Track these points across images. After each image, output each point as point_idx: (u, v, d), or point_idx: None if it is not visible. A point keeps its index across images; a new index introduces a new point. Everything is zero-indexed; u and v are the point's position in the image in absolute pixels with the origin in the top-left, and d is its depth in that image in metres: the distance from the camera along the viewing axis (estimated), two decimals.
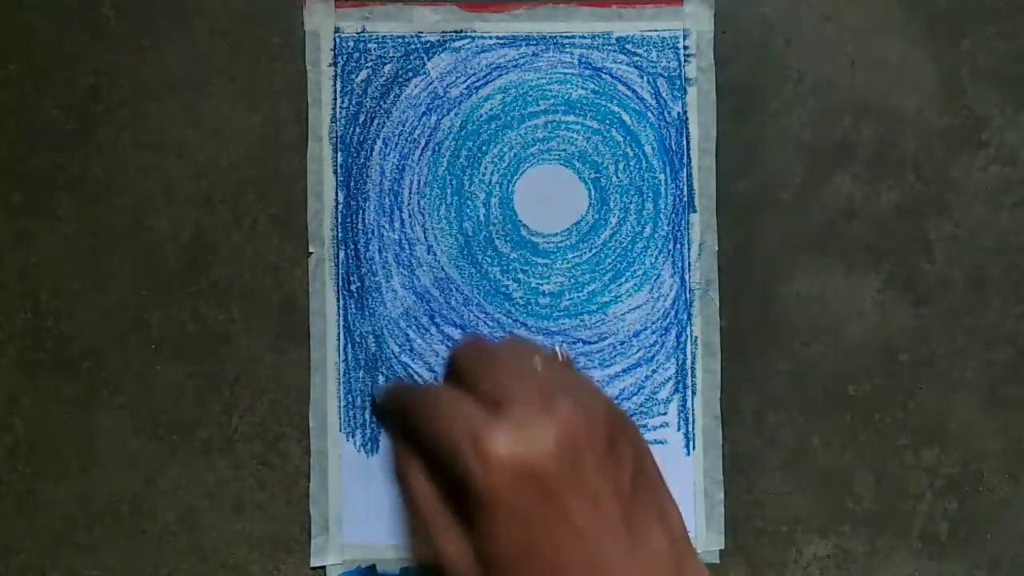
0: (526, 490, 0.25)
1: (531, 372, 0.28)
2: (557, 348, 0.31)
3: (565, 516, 0.25)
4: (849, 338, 0.49)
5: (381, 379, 0.47)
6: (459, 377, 0.28)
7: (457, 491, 0.27)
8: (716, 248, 0.48)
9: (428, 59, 0.48)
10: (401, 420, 0.30)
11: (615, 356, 0.48)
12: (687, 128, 0.48)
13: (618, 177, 0.48)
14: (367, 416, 0.47)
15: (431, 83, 0.48)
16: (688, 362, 0.48)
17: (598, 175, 0.48)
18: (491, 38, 0.48)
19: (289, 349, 0.47)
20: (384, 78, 0.48)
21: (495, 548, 0.25)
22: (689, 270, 0.48)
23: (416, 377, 0.48)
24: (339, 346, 0.47)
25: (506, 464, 0.24)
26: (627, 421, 0.29)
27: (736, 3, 0.48)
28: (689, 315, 0.48)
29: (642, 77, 0.48)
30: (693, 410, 0.48)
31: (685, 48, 0.48)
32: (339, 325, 0.47)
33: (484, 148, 0.48)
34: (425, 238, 0.48)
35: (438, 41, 0.48)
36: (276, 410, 0.47)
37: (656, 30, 0.48)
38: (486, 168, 0.48)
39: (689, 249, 0.48)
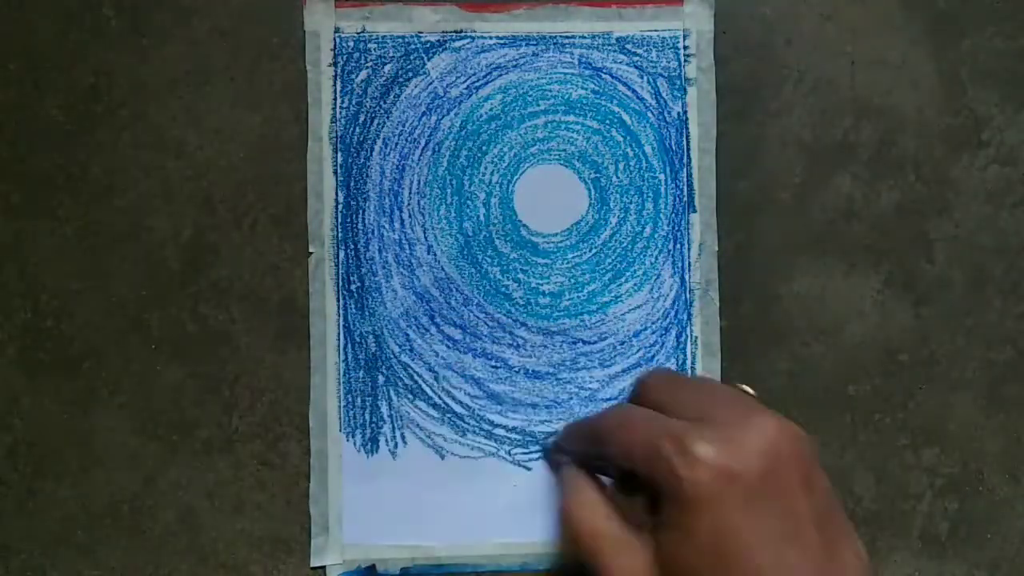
0: (729, 495, 0.25)
1: (731, 395, 0.28)
2: (747, 388, 0.32)
3: (765, 526, 0.25)
4: (849, 338, 0.49)
5: (381, 379, 0.47)
6: (650, 400, 0.29)
7: (635, 508, 0.27)
8: (716, 248, 0.48)
9: (428, 59, 0.48)
10: (584, 448, 0.31)
11: (615, 356, 0.48)
12: (687, 128, 0.48)
13: (618, 177, 0.48)
14: (367, 416, 0.47)
15: (431, 83, 0.48)
16: (688, 362, 0.48)
17: (598, 175, 0.48)
18: (491, 38, 0.48)
19: (289, 349, 0.47)
20: (384, 78, 0.48)
21: (688, 553, 0.25)
22: (689, 270, 0.48)
23: (416, 377, 0.48)
24: (339, 346, 0.47)
25: (712, 466, 0.25)
26: (817, 456, 0.29)
27: (736, 3, 0.48)
28: (689, 315, 0.48)
29: (642, 77, 0.48)
30: None
31: (685, 48, 0.48)
32: (339, 325, 0.47)
33: (484, 148, 0.48)
34: (425, 238, 0.48)
35: (438, 41, 0.48)
36: (276, 410, 0.47)
37: (656, 30, 0.48)
38: (486, 168, 0.48)
39: (689, 249, 0.48)
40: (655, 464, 0.26)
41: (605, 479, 0.31)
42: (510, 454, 0.48)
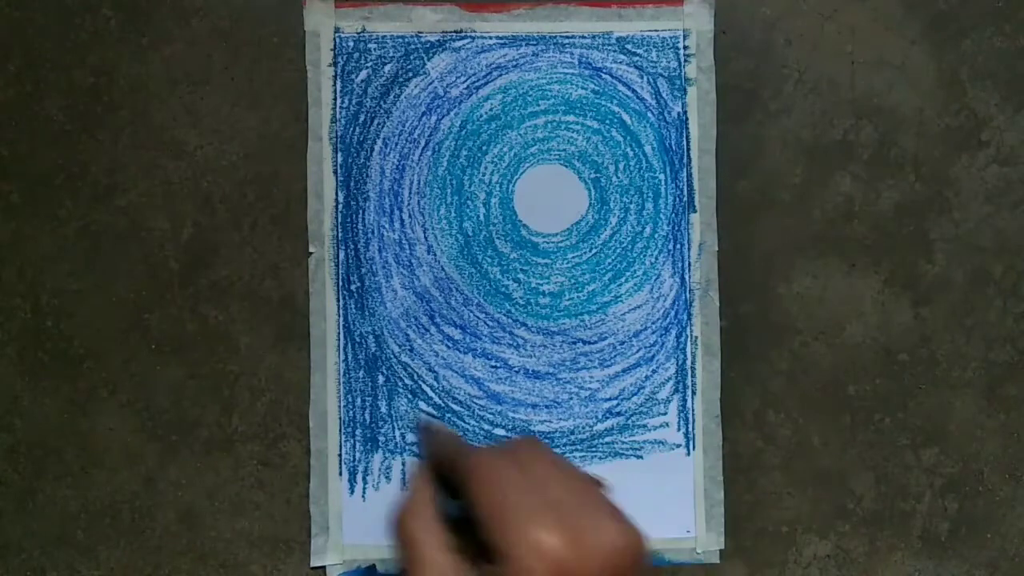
0: None
1: (584, 484, 0.29)
2: (597, 477, 0.33)
3: None
4: (849, 338, 0.49)
5: (381, 379, 0.47)
6: (509, 456, 0.30)
7: (467, 537, 0.29)
8: (716, 248, 0.48)
9: (428, 59, 0.48)
10: (443, 469, 0.32)
11: (615, 356, 0.48)
12: (687, 128, 0.48)
13: (618, 177, 0.48)
14: (366, 416, 0.47)
15: (431, 83, 0.48)
16: (688, 362, 0.48)
17: (598, 175, 0.48)
18: (491, 38, 0.48)
19: (289, 349, 0.47)
20: (384, 78, 0.48)
21: None
22: (689, 270, 0.48)
23: (416, 377, 0.48)
24: (339, 346, 0.47)
25: (553, 559, 0.26)
26: (650, 560, 0.30)
27: (736, 3, 0.48)
28: (689, 315, 0.48)
29: (642, 77, 0.48)
30: (693, 410, 0.48)
31: (685, 48, 0.48)
32: (339, 325, 0.47)
33: (484, 148, 0.48)
34: (425, 238, 0.48)
35: (438, 41, 0.48)
36: (276, 410, 0.47)
37: (656, 30, 0.48)
38: (486, 168, 0.48)
39: (689, 249, 0.48)
40: (501, 530, 0.27)
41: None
42: None
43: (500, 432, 0.48)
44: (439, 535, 0.31)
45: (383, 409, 0.47)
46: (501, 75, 0.48)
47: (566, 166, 0.48)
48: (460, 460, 0.32)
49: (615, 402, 0.48)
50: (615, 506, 0.29)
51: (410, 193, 0.48)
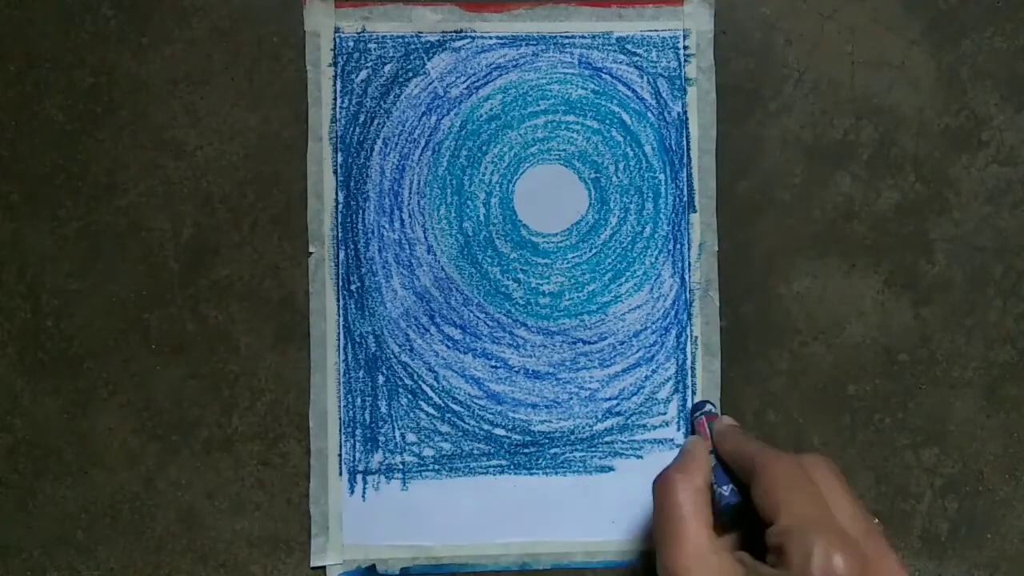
0: None
1: (869, 522, 0.32)
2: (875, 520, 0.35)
3: None
4: (849, 338, 0.49)
5: (381, 379, 0.47)
6: (804, 469, 0.32)
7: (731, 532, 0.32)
8: (716, 248, 0.48)
9: (428, 59, 0.48)
10: (735, 465, 0.33)
11: (615, 356, 0.48)
12: (687, 128, 0.48)
13: (618, 177, 0.48)
14: (367, 416, 0.47)
15: (431, 83, 0.48)
16: (688, 362, 0.48)
17: (598, 175, 0.48)
18: (491, 38, 0.48)
19: (289, 349, 0.47)
20: (384, 78, 0.48)
21: None
22: (689, 270, 0.48)
23: (416, 377, 0.48)
24: (339, 346, 0.47)
25: None
26: None
27: (736, 3, 0.48)
28: (689, 315, 0.48)
29: (642, 77, 0.48)
30: None
31: (685, 48, 0.48)
32: (339, 325, 0.47)
33: (484, 148, 0.48)
34: (425, 238, 0.48)
35: (438, 41, 0.48)
36: (276, 410, 0.47)
37: (656, 30, 0.48)
38: (486, 168, 0.48)
39: (689, 249, 0.48)
40: (791, 536, 0.28)
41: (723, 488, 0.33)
42: (510, 455, 0.48)
43: (500, 432, 0.48)
44: (706, 511, 0.31)
45: (383, 409, 0.47)
46: (501, 75, 0.48)
47: (566, 166, 0.48)
48: (755, 455, 0.32)
49: (615, 402, 0.48)
50: (888, 545, 0.30)
51: (410, 193, 0.48)
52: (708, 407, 0.46)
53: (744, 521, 0.36)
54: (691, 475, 0.34)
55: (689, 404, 0.48)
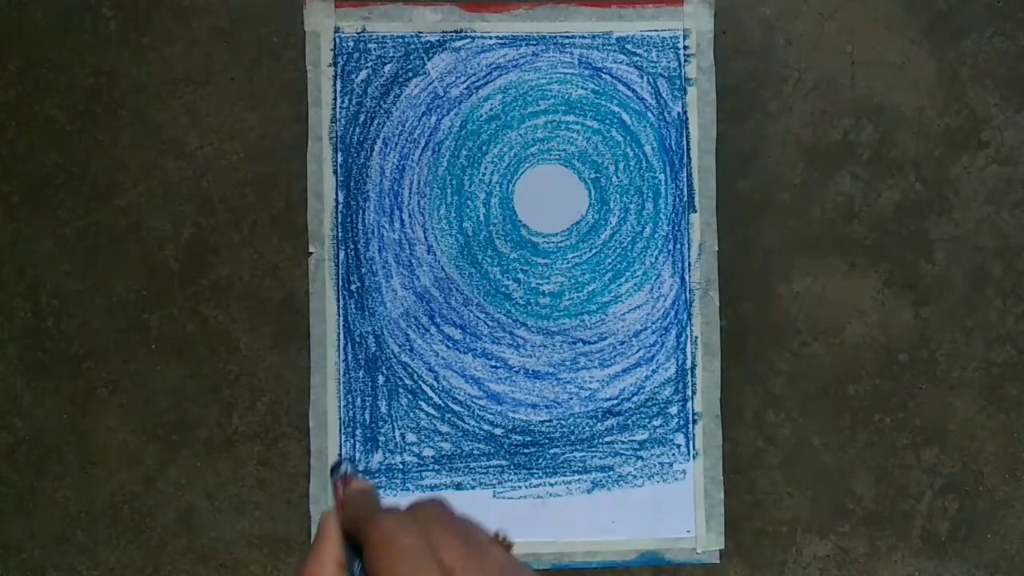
0: None
1: (487, 551, 0.30)
2: (501, 533, 0.33)
3: None
4: (849, 338, 0.49)
5: (381, 379, 0.47)
6: (408, 520, 0.30)
7: None
8: (716, 248, 0.48)
9: (428, 59, 0.48)
10: (354, 530, 0.32)
11: (615, 356, 0.48)
12: (687, 128, 0.48)
13: (618, 177, 0.48)
14: (366, 416, 0.47)
15: (431, 83, 0.48)
16: (688, 362, 0.48)
17: (598, 175, 0.48)
18: (491, 38, 0.48)
19: (289, 349, 0.47)
20: (384, 78, 0.48)
21: None
22: (689, 270, 0.48)
23: (416, 377, 0.48)
24: (339, 346, 0.47)
25: None
26: None
27: (736, 3, 0.48)
28: (689, 315, 0.48)
29: (642, 77, 0.48)
30: (693, 410, 0.48)
31: (685, 48, 0.48)
32: (339, 325, 0.47)
33: (484, 148, 0.48)
34: (425, 238, 0.48)
35: (438, 41, 0.48)
36: (276, 410, 0.47)
37: (656, 30, 0.48)
38: (486, 168, 0.48)
39: (689, 249, 0.48)
40: None
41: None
42: (510, 455, 0.48)
43: (500, 432, 0.48)
44: None
45: (383, 409, 0.47)
46: (501, 75, 0.48)
47: (566, 166, 0.48)
48: (363, 523, 0.31)
49: (615, 402, 0.48)
50: (512, 566, 0.30)
51: (410, 193, 0.48)
52: (344, 467, 0.42)
53: None
54: (320, 563, 0.33)
55: (689, 404, 0.48)
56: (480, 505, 0.47)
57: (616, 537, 0.47)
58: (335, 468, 0.42)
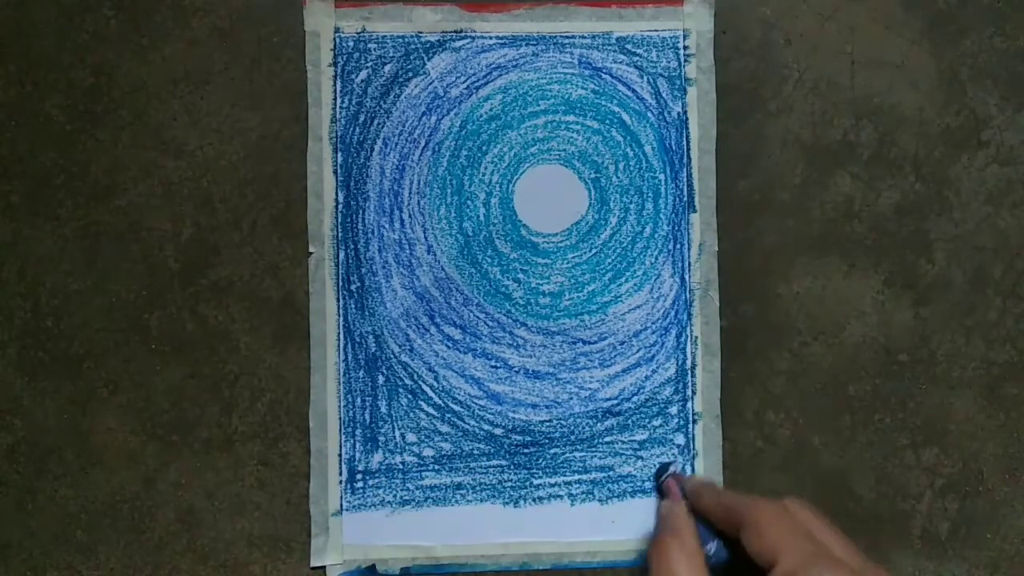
0: None
1: (858, 551, 0.32)
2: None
3: None
4: (849, 338, 0.49)
5: (381, 379, 0.47)
6: (788, 513, 0.33)
7: None
8: (716, 248, 0.48)
9: (428, 59, 0.48)
10: (716, 517, 0.34)
11: (615, 356, 0.48)
12: (687, 128, 0.48)
13: (618, 177, 0.48)
14: (366, 416, 0.47)
15: (431, 83, 0.48)
16: (688, 362, 0.48)
17: (598, 175, 0.48)
18: (491, 38, 0.48)
19: (289, 349, 0.47)
20: (384, 78, 0.48)
21: None
22: (689, 270, 0.48)
23: (416, 377, 0.48)
24: (339, 346, 0.47)
25: None
26: None
27: (736, 3, 0.48)
28: (689, 315, 0.48)
29: (642, 77, 0.48)
30: (693, 410, 0.48)
31: (685, 48, 0.48)
32: (339, 325, 0.47)
33: (484, 148, 0.48)
34: (425, 238, 0.48)
35: (438, 41, 0.48)
36: (276, 410, 0.47)
37: (656, 30, 0.48)
38: (486, 168, 0.48)
39: (689, 249, 0.48)
40: (808, 571, 0.28)
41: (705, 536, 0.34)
42: (510, 455, 0.48)
43: (500, 432, 0.48)
44: (703, 572, 0.32)
45: (383, 409, 0.47)
46: (501, 75, 0.48)
47: (566, 166, 0.48)
48: (739, 505, 0.33)
49: (615, 402, 0.48)
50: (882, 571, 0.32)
51: (410, 193, 0.48)
52: (673, 468, 0.47)
53: (731, 574, 0.37)
54: (682, 538, 0.35)
55: (689, 404, 0.48)
56: (490, 514, 0.47)
57: (616, 537, 0.47)
58: (663, 469, 0.46)
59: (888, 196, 0.49)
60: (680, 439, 0.48)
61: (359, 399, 0.47)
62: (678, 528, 0.35)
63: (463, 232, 0.48)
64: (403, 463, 0.47)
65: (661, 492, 0.46)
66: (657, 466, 0.47)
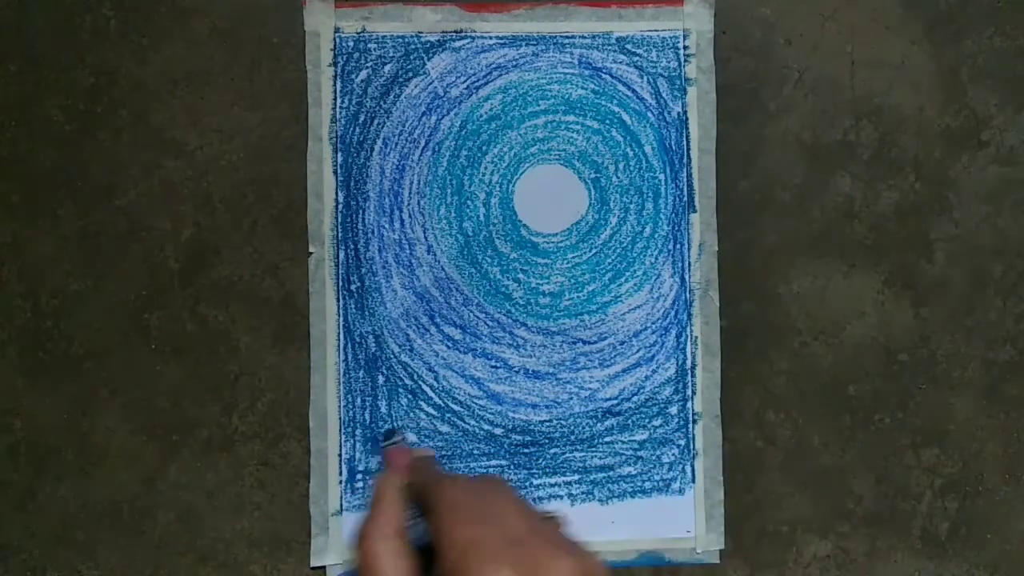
0: None
1: (547, 525, 0.31)
2: (558, 514, 0.36)
3: None
4: (849, 338, 0.49)
5: (381, 379, 0.47)
6: (474, 491, 0.32)
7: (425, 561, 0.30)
8: (716, 248, 0.48)
9: (428, 59, 0.48)
10: (413, 496, 0.33)
11: (615, 356, 0.48)
12: (687, 128, 0.48)
13: (618, 177, 0.48)
14: (367, 416, 0.47)
15: (431, 83, 0.48)
16: (688, 362, 0.48)
17: (598, 175, 0.48)
18: (491, 38, 0.48)
19: (289, 349, 0.47)
20: (384, 78, 0.48)
21: None
22: (689, 270, 0.48)
23: (416, 377, 0.48)
24: (339, 346, 0.47)
25: None
26: None
27: (736, 3, 0.48)
28: (689, 315, 0.48)
29: (642, 77, 0.48)
30: (693, 410, 0.48)
31: (685, 48, 0.48)
32: (339, 325, 0.47)
33: (484, 148, 0.48)
34: (425, 238, 0.48)
35: (438, 41, 0.48)
36: (276, 410, 0.47)
37: (656, 30, 0.48)
38: (486, 168, 0.48)
39: (689, 249, 0.48)
40: (461, 564, 0.28)
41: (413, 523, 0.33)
42: (510, 455, 0.48)
43: (500, 432, 0.48)
44: (403, 559, 0.31)
45: (383, 409, 0.47)
46: (501, 75, 0.48)
47: (566, 166, 0.48)
48: (430, 487, 0.32)
49: (615, 402, 0.48)
50: (571, 540, 0.30)
51: (410, 193, 0.48)
52: (399, 437, 0.43)
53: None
54: (379, 523, 0.33)
55: (689, 404, 0.48)
56: None
57: (616, 537, 0.47)
58: (389, 435, 0.43)
59: (888, 196, 0.49)
60: (680, 439, 0.48)
61: (359, 399, 0.47)
62: (383, 508, 0.34)
63: (463, 232, 0.48)
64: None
65: (384, 460, 0.42)
66: (383, 432, 0.45)
